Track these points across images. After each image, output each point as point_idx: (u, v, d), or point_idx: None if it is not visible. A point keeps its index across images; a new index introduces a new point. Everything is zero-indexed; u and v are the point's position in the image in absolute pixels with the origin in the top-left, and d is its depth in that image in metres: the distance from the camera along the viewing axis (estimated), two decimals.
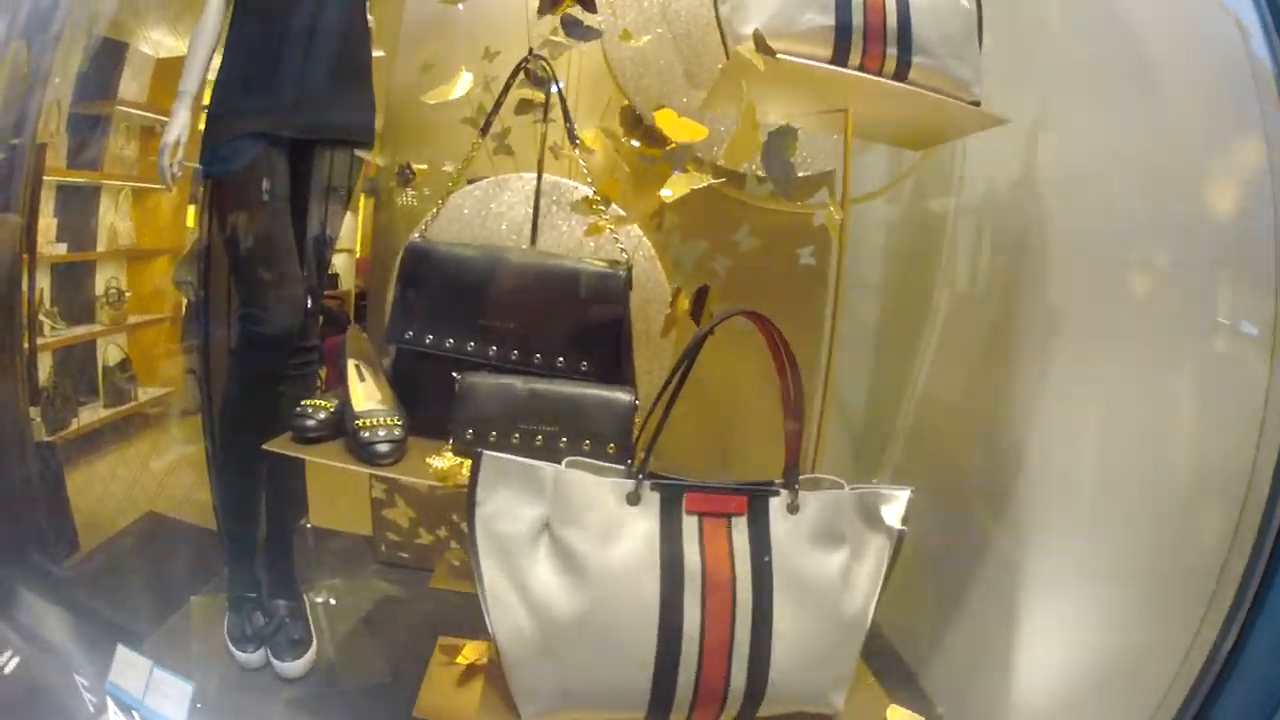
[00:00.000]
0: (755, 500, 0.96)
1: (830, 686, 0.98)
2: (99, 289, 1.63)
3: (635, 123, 1.04)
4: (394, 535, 1.63)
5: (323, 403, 1.20)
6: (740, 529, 0.94)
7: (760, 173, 1.35)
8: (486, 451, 0.93)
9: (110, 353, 1.65)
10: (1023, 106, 1.21)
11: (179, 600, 1.50)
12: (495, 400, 1.11)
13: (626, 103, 1.34)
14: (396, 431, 1.12)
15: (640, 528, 0.92)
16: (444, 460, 1.11)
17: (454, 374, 1.14)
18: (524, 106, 1.35)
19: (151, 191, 1.66)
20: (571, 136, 1.25)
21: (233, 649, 1.38)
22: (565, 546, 0.90)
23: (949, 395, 1.37)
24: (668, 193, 1.03)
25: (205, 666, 1.36)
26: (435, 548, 1.60)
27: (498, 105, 1.26)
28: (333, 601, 1.53)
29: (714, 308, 1.19)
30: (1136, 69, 1.13)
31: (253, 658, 1.37)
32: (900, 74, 1.09)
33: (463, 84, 1.26)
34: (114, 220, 1.62)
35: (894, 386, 1.51)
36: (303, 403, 1.20)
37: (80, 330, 1.60)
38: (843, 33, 1.07)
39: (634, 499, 0.92)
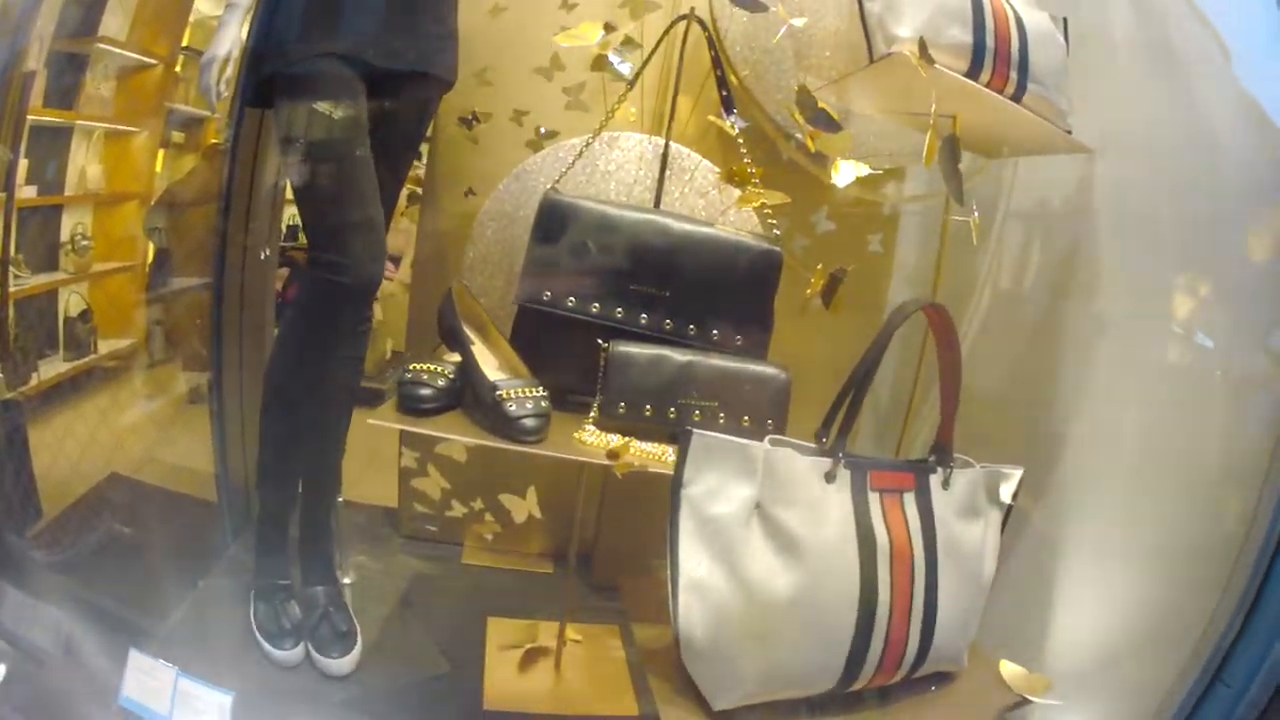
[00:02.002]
0: (919, 477, 1.04)
1: (964, 648, 1.09)
2: (65, 235, 1.39)
3: (810, 103, 1.05)
4: (422, 507, 1.53)
5: (438, 368, 1.11)
6: (910, 504, 1.02)
7: None
8: (696, 430, 0.94)
9: (71, 302, 1.41)
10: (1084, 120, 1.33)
11: (177, 586, 1.31)
12: (650, 372, 1.09)
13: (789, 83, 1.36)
14: (544, 404, 1.06)
15: (836, 504, 0.96)
16: (594, 435, 1.09)
17: (600, 341, 1.10)
18: (600, 63, 1.32)
19: (123, 134, 1.48)
20: (729, 106, 1.23)
21: (267, 646, 1.21)
22: (779, 526, 0.93)
23: (985, 385, 1.51)
24: (839, 179, 1.07)
25: (232, 668, 1.16)
26: (466, 520, 1.52)
27: (650, 57, 1.23)
28: (362, 583, 1.40)
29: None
30: (1193, 87, 1.30)
31: (291, 655, 1.20)
32: (1017, 97, 1.20)
33: (599, 31, 1.21)
34: (84, 163, 1.41)
35: (928, 374, 1.62)
36: (412, 367, 1.11)
37: (45, 279, 1.37)
38: (978, 51, 1.16)
39: (831, 477, 0.96)
